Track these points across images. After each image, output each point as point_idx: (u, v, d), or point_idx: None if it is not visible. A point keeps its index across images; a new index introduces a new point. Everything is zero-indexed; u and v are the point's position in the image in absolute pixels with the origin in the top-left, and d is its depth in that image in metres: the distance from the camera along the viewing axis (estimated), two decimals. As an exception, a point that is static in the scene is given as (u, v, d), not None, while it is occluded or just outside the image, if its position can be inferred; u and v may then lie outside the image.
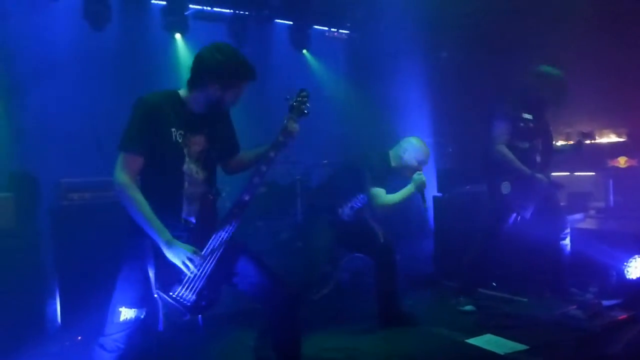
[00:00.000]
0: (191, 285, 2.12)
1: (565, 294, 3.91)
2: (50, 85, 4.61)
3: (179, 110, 2.21)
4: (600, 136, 5.74)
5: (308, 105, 2.38)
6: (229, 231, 2.20)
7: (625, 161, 5.00)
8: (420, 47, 6.12)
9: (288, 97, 2.39)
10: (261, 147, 2.42)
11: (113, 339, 2.15)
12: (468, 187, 4.90)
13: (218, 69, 2.17)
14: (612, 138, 5.53)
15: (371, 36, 6.76)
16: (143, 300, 2.15)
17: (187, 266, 2.08)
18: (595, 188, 5.63)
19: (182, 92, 2.27)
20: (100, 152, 4.10)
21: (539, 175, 3.66)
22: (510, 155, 3.62)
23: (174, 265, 2.09)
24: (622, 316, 3.37)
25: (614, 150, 5.21)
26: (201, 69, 2.19)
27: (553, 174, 5.53)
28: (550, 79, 3.72)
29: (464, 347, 3.18)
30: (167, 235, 2.09)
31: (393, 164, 3.53)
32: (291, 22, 6.47)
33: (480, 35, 5.75)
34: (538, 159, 3.76)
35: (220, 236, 2.19)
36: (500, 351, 3.04)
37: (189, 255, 2.08)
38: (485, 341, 3.21)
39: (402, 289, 3.90)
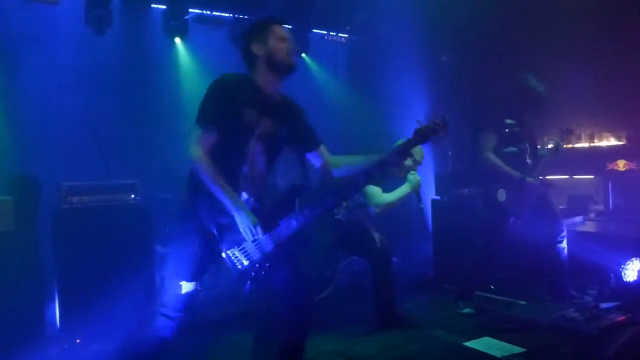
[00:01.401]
0: (247, 252, 2.23)
1: (563, 297, 3.93)
2: (52, 89, 4.64)
3: (252, 91, 2.33)
4: (600, 139, 5.77)
5: (441, 135, 2.34)
6: (299, 223, 2.27)
7: (624, 164, 5.02)
8: (419, 51, 6.14)
9: (419, 120, 2.37)
10: (362, 156, 2.50)
11: (175, 308, 2.31)
12: (466, 190, 4.91)
13: (249, 31, 2.42)
14: (612, 141, 5.55)
15: (370, 40, 6.79)
16: (198, 274, 2.34)
17: (251, 231, 2.18)
18: (595, 191, 5.65)
19: (253, 73, 2.39)
20: (101, 155, 4.13)
21: (530, 178, 3.71)
22: (498, 161, 3.70)
23: (237, 231, 2.19)
24: (620, 318, 3.38)
25: (613, 153, 5.23)
26: (241, 43, 2.41)
27: (551, 177, 5.57)
28: (529, 86, 3.81)
29: (461, 350, 3.19)
30: (239, 202, 2.21)
31: None
32: (290, 26, 6.48)
33: (480, 39, 5.77)
34: (528, 161, 3.81)
35: (290, 224, 2.27)
36: (497, 354, 3.04)
37: (253, 223, 2.18)
38: (483, 344, 3.21)
39: (400, 291, 3.91)
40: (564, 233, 3.93)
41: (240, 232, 2.20)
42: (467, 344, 3.23)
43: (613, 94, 5.10)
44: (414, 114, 6.45)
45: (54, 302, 3.57)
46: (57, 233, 3.55)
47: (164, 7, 5.50)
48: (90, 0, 4.85)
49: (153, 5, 5.53)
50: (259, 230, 2.20)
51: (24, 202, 3.47)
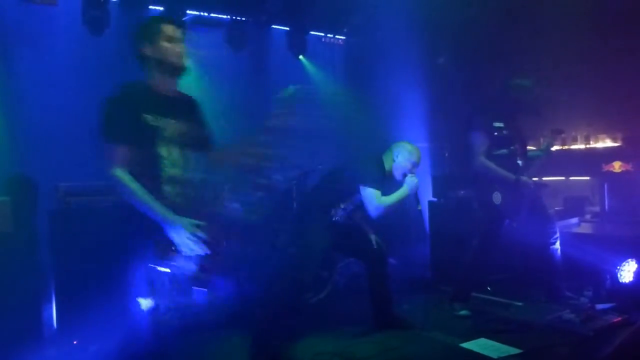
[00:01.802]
0: (191, 259, 2.18)
1: (559, 298, 3.95)
2: (50, 89, 4.64)
3: (149, 96, 2.29)
4: (596, 141, 5.80)
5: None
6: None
7: (620, 166, 5.04)
8: (416, 53, 6.16)
9: None
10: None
11: (140, 327, 2.24)
12: (463, 192, 4.92)
13: (138, 32, 2.33)
14: (608, 143, 5.58)
15: (368, 42, 6.81)
16: (150, 291, 2.21)
17: (188, 238, 2.12)
18: (591, 192, 5.67)
19: (147, 79, 2.35)
20: (98, 156, 4.12)
21: (523, 178, 3.74)
22: (491, 164, 3.73)
23: (178, 243, 2.13)
24: (616, 319, 3.40)
25: (609, 154, 5.26)
26: (132, 45, 2.35)
27: (547, 178, 5.60)
28: (518, 88, 3.84)
29: (457, 351, 3.20)
30: (170, 214, 2.14)
31: (386, 167, 3.57)
32: (288, 28, 6.51)
33: (478, 41, 5.79)
34: (520, 162, 3.84)
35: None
36: (494, 355, 3.05)
37: (190, 226, 2.13)
38: (479, 345, 3.23)
39: (397, 293, 3.92)
40: (557, 235, 3.96)
41: (177, 240, 2.13)
42: (464, 345, 3.24)
43: (609, 95, 5.13)
44: (411, 115, 6.50)
45: (51, 303, 3.57)
46: (54, 234, 3.55)
47: (161, 8, 5.51)
48: (87, 1, 4.87)
49: (151, 7, 5.54)
50: (196, 233, 2.13)
51: (21, 202, 3.48)
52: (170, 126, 2.29)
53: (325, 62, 6.89)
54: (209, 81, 5.80)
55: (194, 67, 5.70)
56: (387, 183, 3.60)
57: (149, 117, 2.22)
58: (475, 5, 5.36)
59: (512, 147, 3.82)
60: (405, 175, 3.48)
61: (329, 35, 6.90)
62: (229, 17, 5.96)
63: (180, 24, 2.36)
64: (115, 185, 2.17)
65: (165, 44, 2.27)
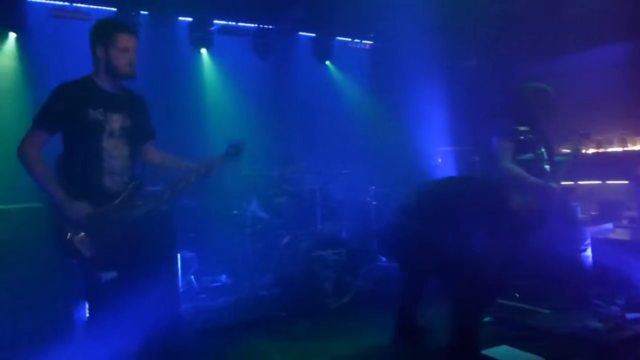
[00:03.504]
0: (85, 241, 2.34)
1: (588, 306, 3.82)
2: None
3: (94, 91, 2.46)
4: (633, 143, 5.61)
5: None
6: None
7: (659, 169, 4.87)
8: (443, 57, 6.12)
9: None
10: (188, 161, 2.76)
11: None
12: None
13: (95, 30, 2.49)
14: (646, 146, 5.40)
15: (394, 46, 6.80)
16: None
17: (81, 222, 2.32)
18: (628, 197, 5.48)
19: (94, 75, 2.52)
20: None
21: (551, 183, 3.64)
22: (517, 169, 3.65)
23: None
24: (646, 330, 3.27)
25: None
26: (90, 43, 2.50)
27: (583, 182, 5.43)
28: (541, 92, 3.78)
29: (479, 358, 3.15)
30: (62, 194, 2.34)
31: None
32: (314, 34, 6.58)
33: (506, 44, 5.71)
34: (547, 167, 3.74)
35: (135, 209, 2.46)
36: (514, 362, 3.00)
37: (85, 211, 2.33)
38: (500, 352, 3.17)
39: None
40: (588, 241, 3.84)
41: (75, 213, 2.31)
42: (485, 352, 3.19)
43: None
44: (439, 119, 6.45)
45: (83, 302, 3.72)
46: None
47: (190, 19, 5.68)
48: (120, 15, 5.07)
49: (180, 18, 5.72)
50: (92, 216, 2.32)
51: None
52: (110, 120, 2.46)
53: (352, 67, 6.91)
54: (237, 89, 5.94)
55: (223, 77, 5.89)
56: None
57: (89, 111, 2.40)
58: (502, 6, 5.28)
59: (538, 152, 3.74)
60: None
61: (355, 40, 6.93)
62: (255, 25, 6.08)
63: (133, 32, 2.53)
64: (24, 163, 2.40)
65: (117, 53, 2.44)
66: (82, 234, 2.35)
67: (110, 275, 2.39)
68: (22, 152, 2.40)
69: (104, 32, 2.46)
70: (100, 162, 2.43)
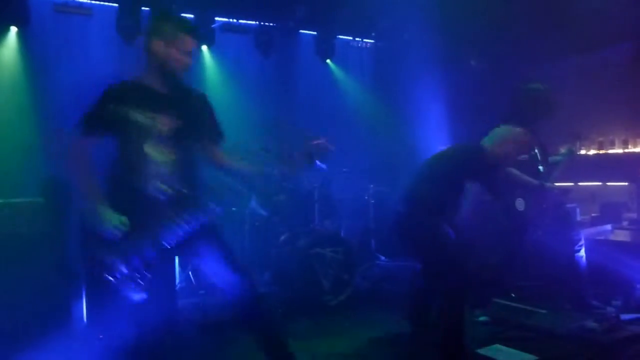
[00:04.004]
0: (125, 258, 2.19)
1: (585, 307, 3.84)
2: (83, 95, 4.87)
3: (142, 92, 2.29)
4: (634, 145, 5.60)
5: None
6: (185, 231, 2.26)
7: (660, 171, 4.87)
8: (445, 56, 6.12)
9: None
10: (253, 167, 2.51)
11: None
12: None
13: (156, 23, 2.32)
14: (647, 147, 5.40)
15: (396, 45, 6.81)
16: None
17: (111, 231, 2.14)
18: (629, 198, 5.49)
19: (143, 74, 2.35)
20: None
21: (547, 184, 3.66)
22: (514, 171, 3.67)
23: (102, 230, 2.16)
24: (640, 330, 3.29)
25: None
26: (146, 34, 2.33)
27: (583, 183, 5.43)
28: (537, 94, 3.78)
29: (473, 357, 3.16)
30: (99, 198, 2.20)
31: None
32: (316, 33, 6.59)
33: (508, 43, 5.71)
34: (541, 168, 3.76)
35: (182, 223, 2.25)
36: (507, 361, 3.02)
37: (118, 222, 2.15)
38: (494, 351, 3.19)
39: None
40: (582, 242, 3.85)
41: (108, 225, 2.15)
42: (478, 350, 3.21)
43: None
44: (439, 119, 6.45)
45: (81, 299, 3.74)
46: (85, 234, 3.70)
47: (191, 16, 5.69)
48: (121, 11, 5.09)
49: (181, 15, 5.72)
50: (122, 227, 2.14)
51: (54, 203, 3.66)
52: (158, 122, 2.27)
53: (353, 66, 6.92)
54: (238, 87, 5.95)
55: (224, 74, 5.89)
56: None
57: (135, 113, 2.24)
58: (503, 7, 5.27)
59: (532, 152, 3.75)
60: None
61: (356, 38, 6.93)
62: (257, 23, 6.09)
63: (196, 37, 2.36)
64: (68, 160, 2.28)
65: (177, 53, 2.27)
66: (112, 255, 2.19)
67: (139, 296, 2.24)
68: (69, 155, 2.29)
69: (168, 27, 2.28)
70: (143, 168, 2.24)
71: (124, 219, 2.17)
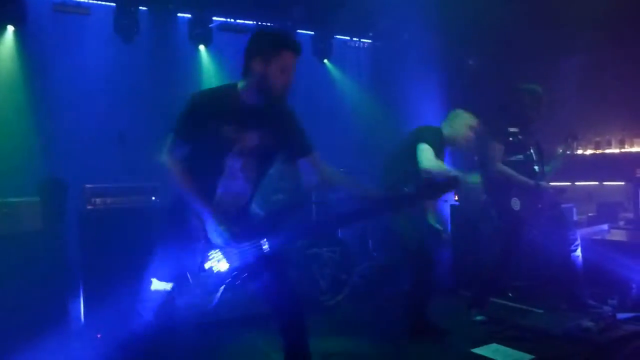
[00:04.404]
0: (225, 258, 2.18)
1: (581, 306, 3.85)
2: (80, 94, 4.88)
3: (232, 103, 2.20)
4: (631, 145, 5.62)
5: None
6: (285, 243, 2.23)
7: (656, 171, 4.89)
8: (441, 56, 6.13)
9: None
10: (361, 184, 2.38)
11: (146, 306, 2.31)
12: (485, 196, 4.85)
13: (257, 39, 2.20)
14: (643, 147, 5.41)
15: (393, 45, 6.81)
16: (173, 276, 2.28)
17: (222, 237, 2.12)
18: (626, 198, 5.51)
19: (240, 83, 2.24)
20: (125, 159, 4.33)
21: (543, 183, 3.67)
22: (510, 171, 3.69)
23: (211, 245, 2.16)
24: (636, 329, 3.30)
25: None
26: (246, 48, 2.21)
27: (580, 183, 5.44)
28: (532, 94, 3.78)
29: (469, 357, 3.18)
30: (210, 208, 2.15)
31: (445, 133, 3.54)
32: (313, 33, 6.59)
33: (505, 42, 5.72)
34: (536, 168, 3.77)
35: (258, 244, 2.19)
36: (504, 360, 3.03)
37: (224, 230, 2.12)
38: (491, 351, 3.20)
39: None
40: (578, 241, 3.87)
41: (218, 237, 2.13)
42: (475, 350, 3.22)
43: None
44: (436, 119, 6.47)
45: (78, 298, 3.74)
46: (82, 233, 3.72)
47: (189, 15, 5.70)
48: (119, 11, 5.09)
49: (179, 14, 5.74)
50: (232, 238, 2.12)
51: (51, 203, 3.66)
52: (248, 139, 2.22)
53: (351, 66, 6.92)
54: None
55: (222, 74, 5.84)
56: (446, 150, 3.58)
57: (223, 126, 2.18)
58: (499, 7, 5.29)
59: (527, 153, 3.77)
60: (465, 142, 3.55)
61: (354, 38, 6.93)
62: (254, 22, 6.09)
63: (299, 52, 2.20)
64: (167, 171, 2.21)
65: (277, 72, 2.15)
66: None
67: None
68: (164, 162, 2.21)
69: (270, 45, 2.15)
70: (218, 184, 2.22)
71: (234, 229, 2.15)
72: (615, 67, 5.19)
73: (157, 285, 2.28)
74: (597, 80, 5.26)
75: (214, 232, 2.14)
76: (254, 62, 2.17)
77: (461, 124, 3.54)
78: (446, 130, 3.55)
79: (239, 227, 2.18)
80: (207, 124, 2.17)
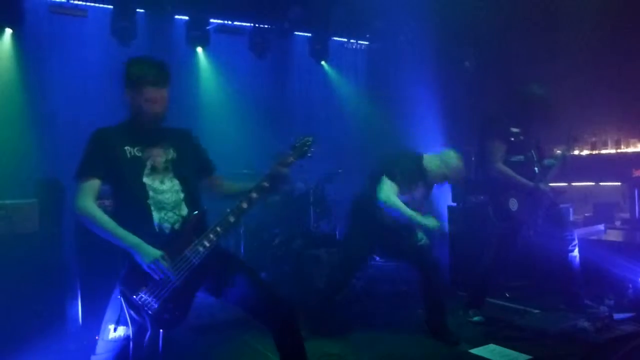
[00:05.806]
0: (156, 292, 2.07)
1: (578, 306, 3.86)
2: (77, 96, 4.89)
3: (131, 129, 2.28)
4: (627, 145, 5.64)
5: (312, 150, 2.39)
6: (206, 249, 2.16)
7: (651, 171, 4.90)
8: (438, 58, 6.15)
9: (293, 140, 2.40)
10: (250, 183, 2.37)
11: (103, 357, 2.17)
12: (482, 197, 4.87)
13: (125, 70, 2.25)
14: (639, 147, 5.42)
15: (390, 47, 6.83)
16: (121, 320, 2.14)
17: (154, 269, 2.04)
18: (622, 198, 5.52)
19: (127, 120, 2.33)
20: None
21: (542, 185, 3.68)
22: (509, 171, 3.68)
23: (142, 270, 2.06)
24: (632, 329, 3.31)
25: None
26: (121, 82, 2.28)
27: (577, 183, 5.45)
28: (534, 94, 3.77)
29: (466, 357, 3.19)
30: (133, 239, 2.10)
31: (438, 171, 3.53)
32: (310, 34, 6.61)
33: (502, 45, 5.74)
34: (536, 169, 3.77)
35: (197, 251, 2.15)
36: (501, 361, 3.04)
37: (156, 258, 2.05)
38: (488, 351, 3.21)
39: (415, 298, 3.91)
40: (575, 242, 3.87)
41: (144, 271, 2.05)
42: (472, 350, 3.23)
43: (640, 99, 5.01)
44: (433, 120, 6.47)
45: (76, 299, 3.74)
46: (79, 234, 3.72)
47: (186, 18, 5.71)
48: (116, 13, 5.10)
49: (176, 17, 5.75)
50: (165, 263, 2.06)
51: (48, 204, 3.66)
52: (153, 156, 2.27)
53: (348, 68, 6.94)
54: (233, 88, 5.96)
55: (219, 75, 5.86)
56: (420, 182, 3.55)
57: (127, 149, 2.22)
58: (497, 8, 5.31)
59: (528, 154, 3.77)
60: (440, 181, 3.55)
61: (351, 40, 6.96)
62: (251, 24, 6.10)
63: (164, 80, 2.24)
64: (81, 218, 2.18)
65: (145, 103, 2.21)
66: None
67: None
68: (79, 207, 2.17)
69: (131, 80, 2.23)
70: (145, 200, 2.21)
71: (162, 252, 2.09)
72: (612, 68, 5.21)
73: (115, 331, 2.16)
74: (593, 81, 5.28)
75: (149, 264, 2.05)
76: (125, 92, 2.25)
77: (455, 163, 3.53)
78: (441, 169, 3.52)
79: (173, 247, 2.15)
80: (110, 153, 2.21)
